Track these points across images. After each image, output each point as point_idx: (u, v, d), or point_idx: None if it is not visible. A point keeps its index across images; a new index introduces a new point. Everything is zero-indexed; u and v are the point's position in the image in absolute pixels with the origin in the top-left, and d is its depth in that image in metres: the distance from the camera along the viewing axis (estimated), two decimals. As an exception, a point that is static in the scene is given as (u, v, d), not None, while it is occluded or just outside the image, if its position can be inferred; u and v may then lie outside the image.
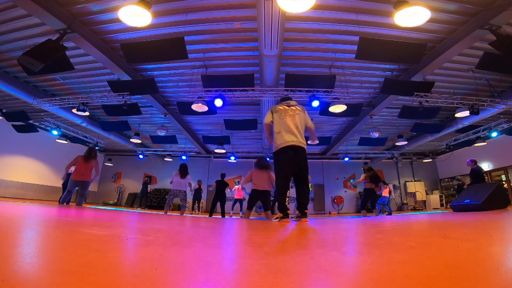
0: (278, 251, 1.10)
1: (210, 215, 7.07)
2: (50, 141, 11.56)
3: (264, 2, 4.01)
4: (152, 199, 15.18)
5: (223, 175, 7.77)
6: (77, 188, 5.10)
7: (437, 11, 4.65)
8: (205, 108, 7.30)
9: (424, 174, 15.50)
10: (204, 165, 15.80)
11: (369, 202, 6.80)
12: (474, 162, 7.17)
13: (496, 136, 9.63)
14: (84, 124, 10.10)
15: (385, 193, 9.77)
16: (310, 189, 8.17)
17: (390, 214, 8.74)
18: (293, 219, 3.24)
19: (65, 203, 5.28)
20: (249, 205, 4.82)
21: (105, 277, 0.59)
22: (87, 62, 6.73)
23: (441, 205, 14.14)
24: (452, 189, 14.23)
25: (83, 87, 8.01)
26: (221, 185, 7.43)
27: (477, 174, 6.91)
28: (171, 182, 6.34)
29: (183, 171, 6.31)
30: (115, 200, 15.46)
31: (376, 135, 10.13)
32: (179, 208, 11.16)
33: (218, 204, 7.37)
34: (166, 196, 6.51)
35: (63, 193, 5.64)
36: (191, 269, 0.71)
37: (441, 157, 14.82)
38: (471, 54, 5.94)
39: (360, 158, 14.94)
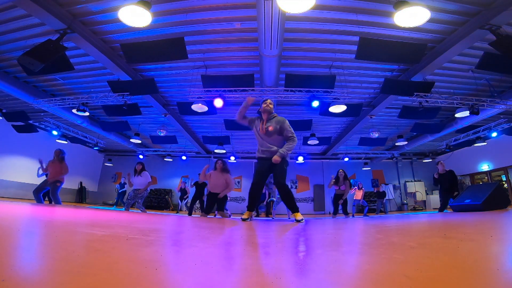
0: (278, 251, 1.10)
1: (190, 214, 7.16)
2: (50, 141, 11.54)
3: (264, 2, 4.00)
4: (152, 199, 15.17)
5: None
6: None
7: (437, 11, 4.65)
8: (205, 108, 7.30)
9: (424, 174, 15.49)
10: (204, 165, 15.81)
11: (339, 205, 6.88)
12: (436, 164, 6.61)
13: (496, 136, 9.63)
14: (84, 124, 10.09)
15: (356, 196, 10.06)
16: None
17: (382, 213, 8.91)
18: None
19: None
20: (206, 209, 4.92)
21: (105, 277, 0.59)
22: (87, 62, 6.72)
23: (441, 205, 14.13)
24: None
25: (83, 87, 8.01)
26: (200, 185, 7.53)
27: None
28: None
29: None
30: (115, 200, 15.46)
31: (376, 135, 10.14)
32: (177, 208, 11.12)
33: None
34: (140, 201, 6.16)
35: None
36: (191, 269, 0.71)
37: (441, 157, 14.81)
38: (471, 54, 5.94)
39: (360, 158, 14.94)
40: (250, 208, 3.21)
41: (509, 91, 7.41)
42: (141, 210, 5.89)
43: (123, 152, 16.13)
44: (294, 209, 3.06)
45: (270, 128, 3.06)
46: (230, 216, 5.08)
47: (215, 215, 5.10)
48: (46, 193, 5.72)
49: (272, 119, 3.14)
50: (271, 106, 3.21)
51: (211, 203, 4.91)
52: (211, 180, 4.92)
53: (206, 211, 4.91)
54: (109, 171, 16.36)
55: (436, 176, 6.31)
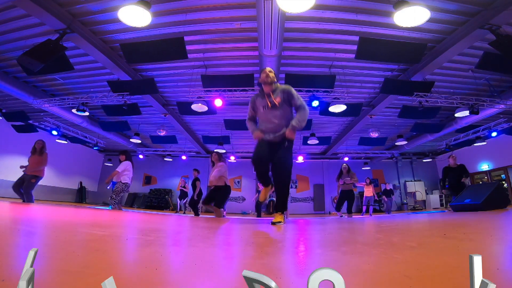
0: (278, 251, 1.10)
1: (196, 215, 7.00)
2: (50, 141, 11.50)
3: (264, 2, 4.00)
4: (152, 199, 15.16)
5: (196, 171, 7.55)
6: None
7: (437, 11, 4.65)
8: (205, 108, 7.30)
9: (424, 174, 15.51)
10: (204, 165, 15.80)
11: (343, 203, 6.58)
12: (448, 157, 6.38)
13: (496, 136, 9.63)
14: (84, 124, 10.09)
15: (367, 192, 9.62)
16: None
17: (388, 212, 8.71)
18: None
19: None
20: (205, 199, 4.81)
21: (105, 277, 0.59)
22: (87, 62, 6.72)
23: (441, 205, 14.15)
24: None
25: (83, 87, 8.01)
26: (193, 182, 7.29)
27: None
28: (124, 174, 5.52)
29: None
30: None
31: (375, 135, 10.13)
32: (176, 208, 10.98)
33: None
34: (113, 195, 5.37)
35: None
36: (191, 269, 0.71)
37: (441, 156, 14.82)
38: (471, 54, 5.94)
39: (360, 158, 14.95)
40: (264, 183, 2.73)
41: (509, 91, 7.42)
42: (111, 207, 5.32)
43: (123, 152, 16.12)
44: (283, 207, 2.61)
45: (278, 100, 2.57)
46: (224, 216, 4.95)
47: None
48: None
49: (276, 89, 2.65)
50: (272, 74, 2.65)
51: (210, 196, 4.75)
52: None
53: (204, 201, 4.76)
54: (109, 171, 16.32)
55: (444, 169, 6.16)
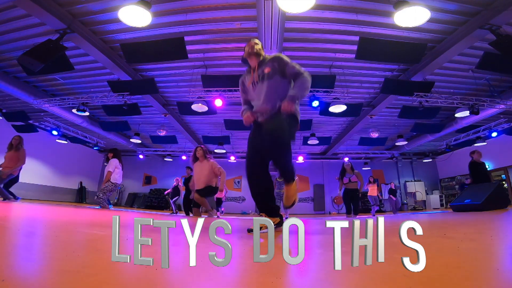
0: (277, 251, 1.10)
1: (187, 214, 6.78)
2: (50, 141, 11.55)
3: (264, 2, 4.01)
4: (152, 199, 15.16)
5: (189, 169, 7.02)
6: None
7: (437, 11, 4.65)
8: (205, 108, 7.30)
9: (424, 174, 15.49)
10: (204, 165, 15.80)
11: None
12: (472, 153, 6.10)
13: (496, 136, 9.63)
14: (84, 124, 10.09)
15: (371, 192, 9.29)
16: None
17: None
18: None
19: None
20: (194, 203, 4.39)
21: (105, 277, 0.59)
22: (87, 62, 6.72)
23: (441, 205, 14.14)
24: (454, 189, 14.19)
25: (83, 87, 8.01)
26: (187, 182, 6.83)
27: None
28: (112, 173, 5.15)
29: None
30: (115, 200, 15.44)
31: (376, 135, 10.12)
32: (179, 208, 10.84)
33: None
34: (100, 194, 5.09)
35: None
36: (191, 269, 0.71)
37: (441, 157, 14.81)
38: (471, 54, 5.94)
39: (360, 158, 14.95)
40: (266, 208, 2.14)
41: (509, 91, 7.41)
42: (100, 206, 5.09)
43: (123, 152, 16.00)
44: (291, 179, 2.23)
45: (267, 70, 2.06)
46: (218, 216, 4.68)
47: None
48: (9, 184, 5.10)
49: (264, 60, 2.15)
50: (258, 47, 2.13)
51: (201, 198, 4.28)
52: (194, 174, 4.37)
53: (195, 204, 4.32)
54: (109, 171, 16.34)
55: (472, 166, 5.86)
